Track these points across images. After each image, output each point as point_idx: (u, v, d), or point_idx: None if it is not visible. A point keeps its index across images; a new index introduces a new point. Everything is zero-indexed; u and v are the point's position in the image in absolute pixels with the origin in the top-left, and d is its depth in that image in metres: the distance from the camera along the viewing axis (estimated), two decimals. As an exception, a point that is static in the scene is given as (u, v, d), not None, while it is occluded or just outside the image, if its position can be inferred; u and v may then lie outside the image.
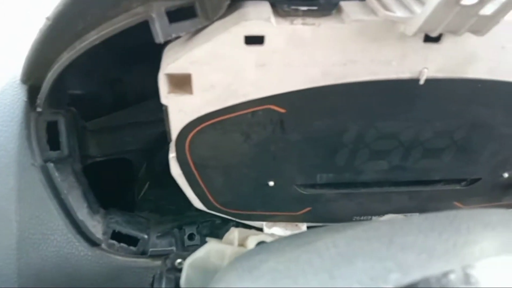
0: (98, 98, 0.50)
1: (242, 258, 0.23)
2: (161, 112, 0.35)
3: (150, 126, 0.50)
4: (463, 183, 0.40)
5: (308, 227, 0.41)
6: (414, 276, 0.14)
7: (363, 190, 0.39)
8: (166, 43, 0.31)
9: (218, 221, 0.44)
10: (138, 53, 0.43)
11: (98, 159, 0.48)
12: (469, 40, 0.30)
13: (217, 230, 0.44)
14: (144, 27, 0.29)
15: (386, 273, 0.15)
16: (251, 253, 0.24)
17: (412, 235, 0.17)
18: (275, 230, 0.40)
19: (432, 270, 0.15)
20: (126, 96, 0.51)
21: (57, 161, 0.36)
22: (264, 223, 0.41)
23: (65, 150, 0.37)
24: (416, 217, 0.19)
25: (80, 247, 0.35)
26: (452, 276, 0.15)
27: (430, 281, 0.14)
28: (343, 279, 0.15)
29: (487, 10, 0.25)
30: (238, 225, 0.41)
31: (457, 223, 0.18)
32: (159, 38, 0.29)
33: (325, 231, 0.21)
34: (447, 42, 0.30)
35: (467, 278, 0.15)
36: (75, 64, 0.33)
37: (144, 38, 0.30)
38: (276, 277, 0.17)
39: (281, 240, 0.25)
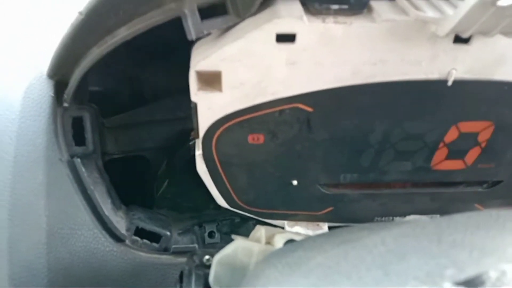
0: (115, 95, 0.50)
1: (278, 255, 0.23)
2: (177, 111, 0.35)
3: (167, 124, 0.51)
4: (484, 185, 0.40)
5: (329, 227, 0.41)
6: (470, 272, 0.14)
7: (386, 191, 0.39)
8: (195, 40, 0.31)
9: (237, 220, 0.45)
10: (156, 51, 0.43)
11: (115, 156, 0.48)
12: (499, 42, 0.30)
13: (237, 228, 0.44)
14: (164, 25, 0.29)
15: (442, 269, 0.15)
16: (285, 250, 0.24)
17: (460, 233, 0.17)
18: (297, 229, 0.40)
19: (486, 266, 0.15)
20: (143, 94, 0.51)
21: (82, 157, 0.37)
22: (285, 222, 0.41)
23: (90, 145, 0.38)
24: (459, 216, 0.19)
25: (106, 243, 0.36)
26: (508, 273, 0.15)
27: (486, 278, 0.14)
28: (399, 276, 0.15)
29: (522, 11, 0.25)
30: (258, 223, 0.41)
31: (502, 221, 0.18)
32: (191, 35, 0.29)
33: (362, 229, 0.21)
34: (477, 44, 0.30)
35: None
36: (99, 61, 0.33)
37: (162, 36, 0.31)
38: (327, 272, 0.17)
39: (314, 238, 0.25)
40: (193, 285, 0.29)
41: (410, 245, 0.17)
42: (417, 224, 0.18)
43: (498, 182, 0.39)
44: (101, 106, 0.43)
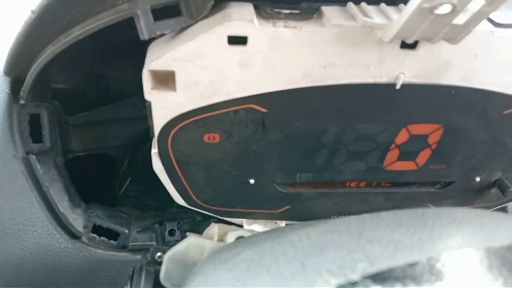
0: (81, 93, 0.50)
1: (220, 251, 0.23)
2: (143, 109, 0.35)
3: (132, 123, 0.51)
4: (437, 186, 0.41)
5: (287, 225, 0.42)
6: (380, 266, 0.15)
7: (340, 190, 0.40)
8: (151, 40, 0.32)
9: (198, 218, 0.45)
10: (122, 49, 0.43)
11: (80, 154, 0.48)
12: (444, 48, 0.31)
13: (198, 226, 0.44)
14: (128, 24, 0.30)
15: (354, 263, 0.16)
16: (228, 246, 0.24)
17: (381, 229, 0.18)
18: (255, 227, 0.41)
19: (397, 261, 0.16)
20: (109, 92, 0.52)
21: (39, 154, 0.37)
22: (244, 220, 0.42)
23: (47, 143, 0.38)
24: (385, 213, 0.20)
25: (61, 239, 0.36)
26: (416, 267, 0.16)
27: (395, 271, 0.15)
28: (314, 268, 0.16)
29: (460, 19, 0.26)
30: (218, 222, 0.42)
31: (424, 219, 0.19)
32: (144, 35, 0.30)
33: (300, 226, 0.22)
34: (423, 49, 0.31)
35: (430, 268, 0.16)
36: (59, 58, 0.33)
37: (128, 34, 0.31)
38: (250, 266, 0.17)
39: (258, 234, 0.25)
40: (142, 282, 0.29)
41: (332, 240, 0.18)
42: (344, 220, 0.19)
43: (450, 183, 0.41)
44: (66, 103, 0.42)
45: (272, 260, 0.17)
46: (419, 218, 0.20)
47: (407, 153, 0.37)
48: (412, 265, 0.16)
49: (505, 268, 0.17)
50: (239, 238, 0.31)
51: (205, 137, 0.35)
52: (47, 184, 0.36)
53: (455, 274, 0.16)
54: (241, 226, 0.42)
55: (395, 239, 0.17)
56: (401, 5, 0.31)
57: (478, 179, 0.40)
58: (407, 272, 0.15)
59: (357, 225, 0.19)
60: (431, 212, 0.21)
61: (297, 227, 0.22)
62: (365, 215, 0.20)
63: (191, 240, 0.31)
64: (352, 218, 0.20)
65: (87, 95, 0.51)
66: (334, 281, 0.15)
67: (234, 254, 0.20)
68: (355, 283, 0.15)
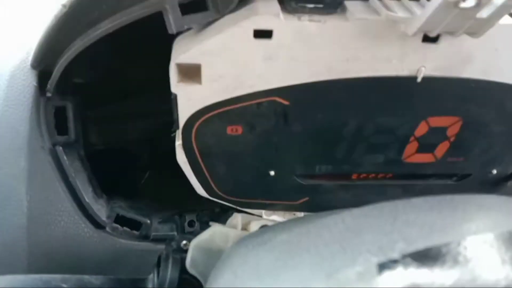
0: (101, 88, 0.51)
1: (249, 237, 0.24)
2: (160, 104, 0.36)
3: (150, 117, 0.52)
4: (454, 178, 0.42)
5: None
6: (418, 246, 0.16)
7: (359, 182, 0.41)
8: (177, 34, 0.32)
9: (217, 210, 0.46)
10: (141, 45, 0.44)
11: (99, 148, 0.49)
12: (465, 42, 0.31)
13: (216, 218, 0.45)
14: (150, 19, 0.31)
15: (393, 244, 0.16)
16: (257, 233, 0.25)
17: (414, 213, 0.19)
18: (274, 218, 0.42)
19: (433, 241, 0.16)
20: (128, 87, 0.52)
21: (64, 146, 0.38)
22: (263, 211, 0.42)
23: (72, 135, 0.39)
24: (416, 199, 0.21)
25: (86, 229, 0.37)
26: (450, 247, 0.16)
27: (432, 251, 0.16)
28: (353, 249, 0.16)
29: (484, 13, 0.27)
30: (238, 213, 0.43)
31: (454, 204, 0.20)
32: (172, 29, 0.30)
33: (328, 213, 0.23)
34: (445, 43, 0.32)
35: (464, 249, 0.17)
36: (81, 53, 0.34)
37: (149, 30, 0.32)
38: (290, 247, 0.18)
39: (288, 221, 0.26)
40: (169, 268, 0.30)
41: (367, 223, 0.18)
42: (376, 206, 0.20)
43: (467, 175, 0.41)
44: (86, 98, 0.43)
45: (310, 242, 0.18)
46: (449, 203, 0.20)
47: (426, 146, 0.38)
48: (447, 245, 0.16)
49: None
50: (263, 226, 0.31)
51: (228, 129, 0.35)
52: (73, 175, 0.37)
53: (486, 254, 0.17)
54: (260, 217, 0.42)
55: (429, 222, 0.18)
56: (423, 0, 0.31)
57: (494, 171, 0.41)
58: (443, 252, 0.16)
59: (390, 210, 0.19)
60: (459, 198, 0.21)
61: (328, 213, 0.22)
62: (396, 201, 0.21)
63: (216, 229, 0.32)
64: (384, 204, 0.20)
65: (106, 90, 0.51)
66: (375, 260, 0.15)
67: (268, 238, 0.20)
68: (395, 261, 0.15)
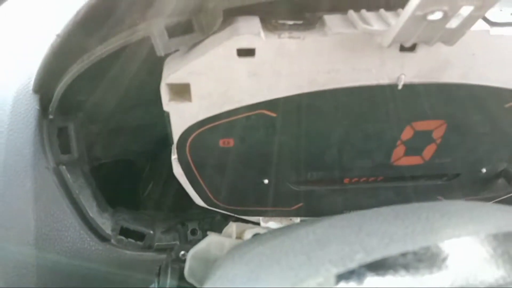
0: (101, 103, 0.53)
1: (237, 247, 0.26)
2: (160, 116, 0.38)
3: (152, 129, 0.53)
4: (444, 179, 0.43)
5: (301, 221, 0.44)
6: (375, 255, 0.17)
7: (350, 186, 0.42)
8: (166, 55, 0.34)
9: (218, 217, 0.47)
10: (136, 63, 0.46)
11: (104, 161, 0.51)
12: (442, 49, 0.32)
13: (218, 225, 0.47)
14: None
15: (353, 254, 0.18)
16: (245, 243, 0.27)
17: (378, 223, 0.20)
18: (271, 224, 0.43)
19: (391, 251, 0.18)
20: (128, 101, 0.54)
21: (68, 164, 0.40)
22: (260, 218, 0.44)
23: (75, 153, 0.41)
24: (385, 208, 0.22)
25: (92, 243, 0.39)
26: (408, 256, 0.18)
27: (388, 260, 0.17)
28: (317, 259, 0.18)
29: (452, 24, 0.28)
30: (237, 220, 0.44)
31: (419, 213, 0.21)
32: (160, 52, 0.32)
33: (310, 222, 0.25)
34: (422, 51, 0.33)
35: (421, 257, 0.18)
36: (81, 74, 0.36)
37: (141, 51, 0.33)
38: (263, 259, 0.20)
39: (271, 231, 0.28)
40: (169, 278, 0.32)
41: (335, 234, 0.20)
42: (346, 216, 0.21)
43: (457, 175, 0.42)
44: (88, 113, 0.45)
45: (281, 254, 0.19)
46: (415, 211, 0.22)
47: (413, 149, 0.39)
48: (404, 255, 0.18)
49: (497, 254, 0.19)
50: (256, 235, 0.33)
51: (220, 142, 0.37)
52: (77, 191, 0.39)
53: (444, 263, 0.18)
54: (258, 223, 0.44)
55: (390, 232, 0.19)
56: (399, 10, 0.33)
57: (484, 170, 0.42)
58: (399, 261, 0.17)
59: (357, 220, 0.21)
60: (426, 206, 0.23)
61: (306, 223, 0.24)
62: (367, 210, 0.22)
63: (212, 239, 0.34)
64: (354, 214, 0.22)
65: (106, 105, 0.54)
66: (335, 270, 0.17)
67: (248, 250, 0.22)
68: (352, 271, 0.17)
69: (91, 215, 0.39)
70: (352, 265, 0.17)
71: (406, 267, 0.17)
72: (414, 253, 0.18)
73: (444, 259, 0.18)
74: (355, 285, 0.16)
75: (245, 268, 0.20)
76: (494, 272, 0.18)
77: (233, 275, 0.20)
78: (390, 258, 0.17)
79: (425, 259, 0.18)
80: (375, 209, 0.22)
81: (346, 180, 0.42)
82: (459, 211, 0.22)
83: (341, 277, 0.16)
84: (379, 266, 0.17)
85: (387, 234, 0.19)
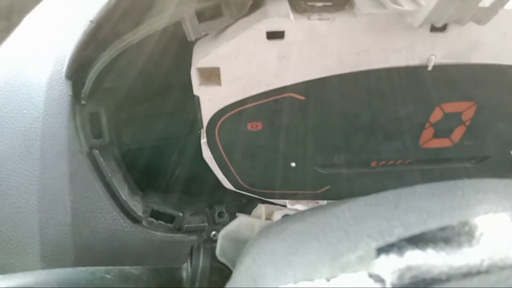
0: (129, 90, 0.54)
1: (269, 227, 0.26)
2: (184, 103, 0.39)
3: (178, 115, 0.54)
4: (472, 161, 0.42)
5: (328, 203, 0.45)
6: (414, 230, 0.18)
7: (378, 169, 0.42)
8: (196, 40, 0.35)
9: (244, 201, 0.48)
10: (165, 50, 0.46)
11: (132, 147, 0.52)
12: (473, 28, 0.32)
13: (244, 208, 0.48)
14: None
15: (391, 229, 0.18)
16: (277, 223, 0.27)
17: (415, 200, 0.20)
18: (298, 207, 0.44)
19: (429, 226, 0.18)
20: (155, 87, 0.55)
21: (100, 148, 0.41)
22: (287, 201, 0.44)
23: (106, 138, 0.42)
24: (419, 186, 0.22)
25: (124, 224, 0.40)
26: (446, 230, 0.18)
27: (427, 235, 0.18)
28: (356, 234, 0.18)
29: (486, 2, 0.28)
30: (264, 203, 0.45)
31: (454, 189, 0.22)
32: (191, 36, 0.33)
33: (342, 202, 0.25)
34: (452, 31, 0.32)
35: (459, 231, 0.18)
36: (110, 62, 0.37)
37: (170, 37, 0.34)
38: (300, 236, 0.20)
39: (303, 211, 0.28)
40: (201, 257, 0.33)
41: (371, 211, 0.20)
42: (381, 195, 0.22)
43: (485, 158, 0.42)
44: (117, 101, 0.46)
45: (319, 230, 0.20)
46: (450, 189, 0.22)
47: (442, 131, 0.39)
48: (442, 229, 0.18)
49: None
50: (285, 216, 0.34)
51: (249, 126, 0.38)
52: (109, 175, 0.40)
53: (482, 236, 0.18)
54: (284, 206, 0.44)
55: (427, 208, 0.19)
56: (429, -10, 0.32)
57: (513, 152, 0.41)
58: (438, 235, 0.18)
59: (393, 198, 0.21)
60: (461, 183, 0.23)
61: (339, 203, 0.24)
62: (401, 189, 0.22)
63: (242, 220, 0.35)
64: (389, 192, 0.22)
65: (134, 92, 0.55)
66: (374, 244, 0.17)
67: (283, 227, 0.23)
68: (392, 244, 0.17)
69: (123, 197, 0.40)
70: (391, 239, 0.17)
71: (446, 240, 0.17)
72: (453, 227, 0.18)
73: (482, 234, 0.18)
74: (396, 258, 0.16)
75: (283, 244, 0.21)
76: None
77: (271, 250, 0.21)
78: (429, 232, 0.18)
79: (464, 233, 0.18)
80: (409, 188, 0.22)
81: (373, 163, 0.42)
82: (494, 188, 0.22)
83: (381, 250, 0.17)
84: (418, 240, 0.17)
85: (424, 210, 0.19)
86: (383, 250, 0.17)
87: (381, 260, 0.16)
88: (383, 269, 0.16)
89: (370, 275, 0.16)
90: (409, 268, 0.16)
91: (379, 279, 0.16)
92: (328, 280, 0.16)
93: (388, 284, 0.16)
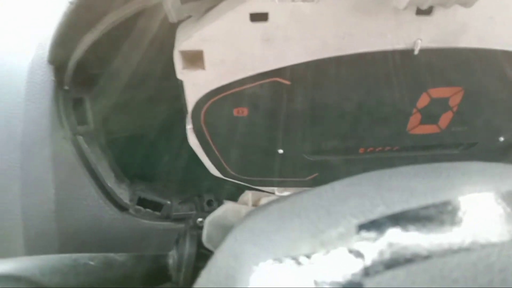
0: (115, 77, 0.53)
1: (256, 209, 0.26)
2: (172, 90, 0.38)
3: (163, 103, 0.54)
4: (460, 148, 0.42)
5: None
6: (396, 208, 0.18)
7: (366, 156, 0.42)
8: (179, 22, 0.34)
9: (233, 189, 0.48)
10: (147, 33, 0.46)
11: (119, 135, 0.51)
12: (459, 12, 0.32)
13: (232, 196, 0.47)
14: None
15: (373, 207, 0.18)
16: (263, 205, 0.27)
17: (398, 180, 0.20)
18: (286, 194, 0.44)
19: (411, 204, 0.18)
20: (141, 74, 0.54)
21: (85, 135, 0.40)
22: (275, 188, 0.44)
23: (91, 124, 0.41)
24: (404, 167, 0.22)
25: (110, 212, 0.40)
26: (429, 209, 0.18)
27: (409, 212, 0.17)
28: (338, 213, 0.18)
29: (471, -17, 0.28)
30: (252, 189, 0.45)
31: (439, 170, 0.21)
32: (173, 18, 0.32)
33: (328, 183, 0.25)
34: (438, 14, 0.32)
35: (442, 210, 0.18)
36: (92, 45, 0.36)
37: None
38: (282, 213, 0.20)
39: (291, 194, 0.28)
40: (187, 244, 0.32)
41: (354, 190, 0.20)
42: (365, 175, 0.22)
43: (474, 144, 0.42)
44: (102, 88, 0.46)
45: (301, 208, 0.20)
46: (435, 170, 0.22)
47: (429, 117, 0.39)
48: (425, 208, 0.18)
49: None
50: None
51: (234, 111, 0.37)
52: (94, 162, 0.39)
53: (464, 215, 0.18)
54: (272, 193, 0.44)
55: (410, 187, 0.19)
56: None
57: (502, 138, 0.41)
58: (420, 214, 0.18)
59: (376, 178, 0.21)
60: (446, 165, 0.22)
61: (324, 185, 0.24)
62: (385, 170, 0.22)
63: (228, 206, 0.34)
64: (372, 172, 0.22)
65: (119, 79, 0.54)
66: (355, 221, 0.17)
67: (267, 207, 0.22)
68: (374, 221, 0.17)
69: (109, 185, 0.40)
70: (373, 216, 0.17)
71: (428, 218, 0.17)
72: (436, 206, 0.18)
73: (465, 212, 0.18)
74: (377, 235, 0.16)
75: (264, 221, 0.20)
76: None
77: (252, 227, 0.20)
78: (412, 210, 0.17)
79: (446, 212, 0.18)
80: (394, 168, 0.22)
81: (361, 150, 0.41)
82: (479, 170, 0.22)
83: (362, 227, 0.17)
84: (400, 218, 0.17)
85: (407, 190, 0.19)
86: (364, 226, 0.17)
87: (362, 236, 0.16)
88: (363, 245, 0.16)
89: (350, 251, 0.16)
90: (390, 245, 0.16)
91: (359, 255, 0.15)
92: (308, 256, 0.16)
93: (368, 259, 0.15)
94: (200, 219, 0.35)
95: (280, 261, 0.16)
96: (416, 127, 0.40)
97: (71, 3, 0.32)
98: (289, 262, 0.16)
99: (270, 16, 0.31)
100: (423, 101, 0.37)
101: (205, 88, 0.35)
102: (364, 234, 0.16)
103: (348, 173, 0.43)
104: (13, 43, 0.42)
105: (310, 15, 0.31)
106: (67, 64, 0.38)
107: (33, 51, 0.41)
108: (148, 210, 0.43)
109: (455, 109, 0.38)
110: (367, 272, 0.15)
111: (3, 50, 0.42)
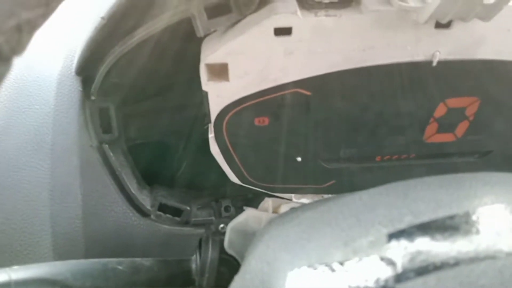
0: (136, 86, 0.54)
1: (281, 216, 0.27)
2: (191, 97, 0.39)
3: (184, 111, 0.55)
4: (476, 156, 0.43)
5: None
6: (424, 218, 0.18)
7: (383, 164, 0.43)
8: (205, 36, 0.35)
9: (250, 195, 0.49)
10: (173, 45, 0.47)
11: (138, 142, 0.53)
12: (477, 25, 0.33)
13: (250, 203, 0.48)
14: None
15: (401, 217, 0.19)
16: (287, 213, 0.28)
17: (424, 190, 0.21)
18: (304, 201, 0.44)
19: (438, 214, 0.19)
20: (161, 83, 0.56)
21: (109, 143, 0.42)
22: (293, 195, 0.45)
23: (115, 132, 0.42)
24: (428, 178, 0.23)
25: (134, 217, 0.41)
26: (455, 219, 0.19)
27: (436, 222, 0.18)
28: (367, 221, 0.19)
29: (490, -1, 0.29)
30: (269, 197, 0.46)
31: (462, 181, 0.22)
32: (200, 32, 0.33)
33: (353, 192, 0.26)
34: (457, 27, 0.33)
35: (467, 220, 0.19)
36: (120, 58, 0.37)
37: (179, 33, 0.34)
38: (313, 222, 0.21)
39: (313, 202, 0.29)
40: (210, 249, 0.33)
41: (381, 200, 0.21)
42: (391, 185, 0.22)
43: (489, 152, 0.43)
44: (124, 96, 0.47)
45: (331, 217, 0.20)
46: (458, 180, 0.22)
47: (445, 126, 0.40)
48: (451, 218, 0.19)
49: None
50: (292, 208, 0.34)
51: (256, 121, 0.38)
52: (119, 169, 0.41)
53: (488, 225, 0.19)
54: (290, 200, 0.45)
55: (436, 198, 0.20)
56: (434, -13, 0.33)
57: (516, 147, 0.42)
58: (447, 223, 0.18)
59: (402, 188, 0.22)
60: (468, 175, 0.23)
61: (349, 194, 0.25)
62: (410, 180, 0.23)
63: (249, 213, 0.35)
64: (398, 183, 0.23)
65: (141, 87, 0.55)
66: (385, 230, 0.18)
67: (296, 216, 0.23)
68: (403, 231, 0.18)
69: (132, 191, 0.41)
70: (402, 226, 0.18)
71: (455, 228, 0.18)
72: (461, 216, 0.19)
73: (489, 222, 0.19)
74: (407, 243, 0.17)
75: (296, 230, 0.21)
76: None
77: (285, 235, 0.21)
78: (438, 220, 0.18)
79: (472, 222, 0.18)
80: (418, 179, 0.23)
81: (378, 158, 0.42)
82: (500, 181, 0.23)
83: (392, 235, 0.18)
84: (428, 227, 0.18)
85: (433, 200, 0.20)
86: (393, 235, 0.18)
87: (392, 244, 0.17)
88: (394, 253, 0.17)
89: (382, 258, 0.17)
90: (419, 252, 0.17)
91: (390, 262, 0.16)
92: (341, 263, 0.17)
93: (399, 267, 0.16)
94: (222, 225, 0.36)
95: (314, 267, 0.17)
96: (432, 135, 0.40)
97: (102, 18, 0.34)
98: (323, 268, 0.17)
99: (294, 30, 0.32)
100: (440, 110, 0.38)
101: (228, 99, 0.36)
102: (394, 242, 0.17)
103: (365, 181, 0.44)
104: (42, 54, 0.44)
105: (333, 29, 0.32)
106: (94, 75, 0.39)
107: (61, 62, 0.42)
108: (168, 215, 0.44)
109: (471, 118, 0.39)
110: (399, 278, 0.16)
111: (34, 61, 0.43)
